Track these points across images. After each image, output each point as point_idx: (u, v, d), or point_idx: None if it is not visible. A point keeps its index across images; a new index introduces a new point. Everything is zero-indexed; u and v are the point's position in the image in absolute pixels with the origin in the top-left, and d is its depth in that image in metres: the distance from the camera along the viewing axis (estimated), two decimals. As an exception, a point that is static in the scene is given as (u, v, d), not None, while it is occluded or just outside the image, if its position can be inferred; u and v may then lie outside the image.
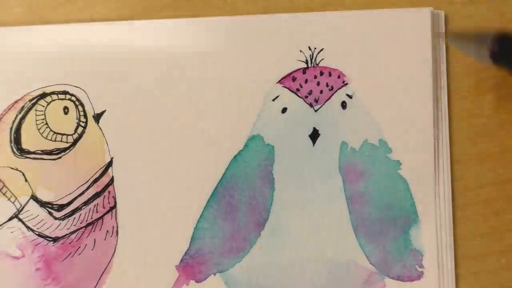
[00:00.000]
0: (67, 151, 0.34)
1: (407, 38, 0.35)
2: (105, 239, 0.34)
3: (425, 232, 0.34)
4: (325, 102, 0.36)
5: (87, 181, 0.34)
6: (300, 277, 0.35)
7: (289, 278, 0.35)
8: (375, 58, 0.35)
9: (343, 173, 0.35)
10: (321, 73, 0.36)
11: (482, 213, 0.34)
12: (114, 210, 0.34)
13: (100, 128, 0.34)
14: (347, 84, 0.36)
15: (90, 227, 0.34)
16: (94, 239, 0.34)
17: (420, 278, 0.34)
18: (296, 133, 0.36)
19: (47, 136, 0.34)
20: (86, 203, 0.34)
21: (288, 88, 0.36)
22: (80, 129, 0.34)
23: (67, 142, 0.34)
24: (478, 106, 0.35)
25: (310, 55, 0.36)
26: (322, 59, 0.36)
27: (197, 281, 0.35)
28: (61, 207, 0.34)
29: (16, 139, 0.33)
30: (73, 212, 0.34)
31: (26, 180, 0.33)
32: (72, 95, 0.34)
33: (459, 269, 0.34)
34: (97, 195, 0.34)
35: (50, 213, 0.34)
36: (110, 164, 0.34)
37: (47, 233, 0.34)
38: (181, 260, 0.35)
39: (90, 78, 0.34)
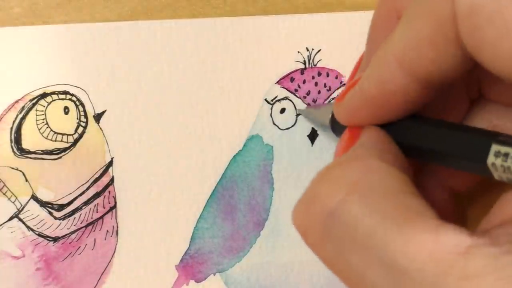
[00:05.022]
0: (68, 151, 0.34)
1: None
2: (105, 239, 0.34)
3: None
4: (323, 102, 0.36)
5: (88, 181, 0.34)
6: (300, 277, 0.35)
7: (289, 278, 0.35)
8: (373, 59, 0.36)
9: (341, 173, 0.35)
10: (319, 74, 0.36)
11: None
12: (114, 210, 0.34)
13: (100, 128, 0.34)
14: (345, 84, 0.36)
15: (90, 227, 0.34)
16: (94, 239, 0.34)
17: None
18: (294, 133, 0.36)
19: (47, 136, 0.34)
20: (86, 203, 0.34)
21: (286, 89, 0.36)
22: (80, 129, 0.34)
23: (67, 142, 0.34)
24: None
25: (308, 56, 0.36)
26: (320, 60, 0.36)
27: (197, 281, 0.35)
28: (61, 207, 0.34)
29: (17, 139, 0.33)
30: (73, 212, 0.34)
31: (26, 180, 0.33)
32: (72, 95, 0.34)
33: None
34: (97, 195, 0.34)
35: (50, 213, 0.33)
36: (110, 164, 0.34)
37: (47, 233, 0.33)
38: (181, 260, 0.35)
39: (90, 78, 0.34)
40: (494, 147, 0.22)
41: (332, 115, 0.31)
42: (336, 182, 0.22)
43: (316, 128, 0.36)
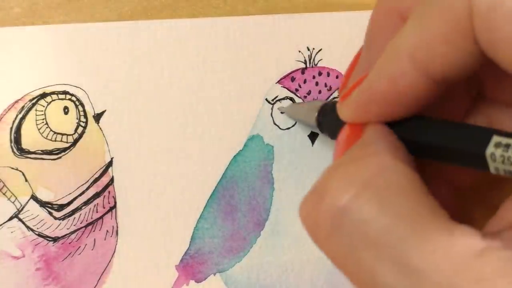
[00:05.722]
0: (67, 151, 0.34)
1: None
2: (105, 239, 0.34)
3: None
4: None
5: (87, 181, 0.34)
6: (300, 277, 0.35)
7: (289, 278, 0.35)
8: (374, 59, 0.35)
9: (342, 173, 0.35)
10: (320, 73, 0.36)
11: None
12: (114, 210, 0.34)
13: (100, 128, 0.34)
14: (344, 84, 0.36)
15: (90, 227, 0.34)
16: (94, 239, 0.34)
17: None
18: (295, 133, 0.36)
19: (47, 136, 0.34)
20: (86, 203, 0.34)
21: (287, 88, 0.36)
22: (80, 129, 0.34)
23: (67, 142, 0.34)
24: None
25: (308, 55, 0.36)
26: (321, 59, 0.36)
27: (197, 281, 0.35)
28: (61, 207, 0.34)
29: (16, 139, 0.33)
30: (73, 212, 0.34)
31: (26, 180, 0.33)
32: (72, 95, 0.34)
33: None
34: (97, 195, 0.34)
35: (50, 213, 0.33)
36: (110, 164, 0.34)
37: (47, 233, 0.33)
38: (181, 260, 0.35)
39: (90, 78, 0.34)
40: (495, 138, 0.22)
41: (319, 113, 0.31)
42: (349, 178, 0.22)
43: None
